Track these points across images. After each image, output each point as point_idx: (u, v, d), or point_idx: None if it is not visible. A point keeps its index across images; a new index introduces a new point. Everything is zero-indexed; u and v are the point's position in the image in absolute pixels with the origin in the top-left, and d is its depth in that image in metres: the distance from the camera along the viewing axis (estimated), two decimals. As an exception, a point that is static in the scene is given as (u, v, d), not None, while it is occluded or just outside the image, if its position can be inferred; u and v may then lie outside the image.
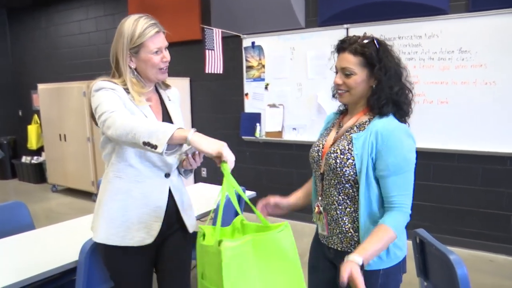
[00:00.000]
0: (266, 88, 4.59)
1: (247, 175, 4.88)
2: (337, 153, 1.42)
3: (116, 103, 1.41)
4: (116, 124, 1.31)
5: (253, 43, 4.61)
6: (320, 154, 1.51)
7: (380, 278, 1.41)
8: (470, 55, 3.44)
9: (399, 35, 3.72)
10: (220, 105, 5.11)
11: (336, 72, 1.45)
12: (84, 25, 6.46)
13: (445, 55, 3.54)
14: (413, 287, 2.99)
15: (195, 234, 1.80)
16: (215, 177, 5.14)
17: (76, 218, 2.60)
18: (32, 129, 7.12)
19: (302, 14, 4.27)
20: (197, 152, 1.55)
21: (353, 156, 1.38)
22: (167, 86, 1.75)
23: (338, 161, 1.40)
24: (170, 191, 1.65)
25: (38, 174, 6.84)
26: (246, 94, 4.77)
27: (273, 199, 1.63)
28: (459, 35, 3.46)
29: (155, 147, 1.24)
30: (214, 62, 4.24)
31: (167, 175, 1.63)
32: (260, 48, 4.57)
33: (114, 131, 1.30)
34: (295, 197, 1.69)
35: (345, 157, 1.40)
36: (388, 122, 1.38)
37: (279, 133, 4.51)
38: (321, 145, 1.53)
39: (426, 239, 1.78)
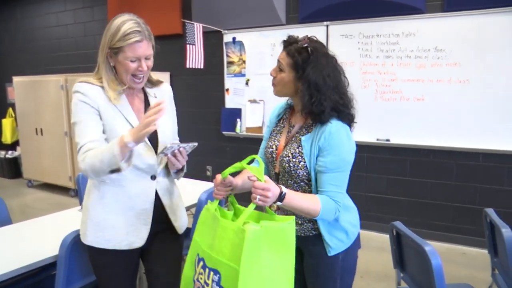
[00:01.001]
0: (246, 83, 4.61)
1: (228, 170, 4.87)
2: (289, 157, 1.49)
3: (86, 129, 1.47)
4: (82, 165, 1.45)
5: (234, 38, 4.61)
6: (274, 156, 1.56)
7: (340, 260, 1.52)
8: (445, 54, 3.54)
9: (377, 33, 3.79)
10: (201, 100, 5.10)
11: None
12: (62, 17, 6.32)
13: (421, 53, 3.63)
14: (390, 278, 3.09)
15: (186, 233, 1.81)
16: (195, 172, 5.12)
17: (54, 213, 2.57)
18: (6, 123, 6.92)
19: (283, 11, 4.30)
20: (176, 151, 1.48)
21: (304, 158, 1.46)
22: (155, 84, 1.69)
23: (291, 164, 1.48)
24: (157, 193, 1.62)
25: (13, 168, 6.67)
26: (227, 90, 4.78)
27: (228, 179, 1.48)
28: (435, 34, 3.56)
29: (118, 170, 1.41)
30: (195, 57, 4.23)
31: (153, 177, 1.61)
32: (241, 44, 4.57)
33: (84, 169, 1.45)
34: (243, 181, 1.54)
35: (297, 160, 1.47)
36: (331, 124, 1.42)
37: (260, 129, 4.54)
38: (274, 147, 1.58)
39: (403, 232, 1.83)
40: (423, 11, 3.59)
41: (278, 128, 1.63)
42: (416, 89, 3.70)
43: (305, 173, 1.47)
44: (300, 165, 1.46)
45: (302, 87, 1.43)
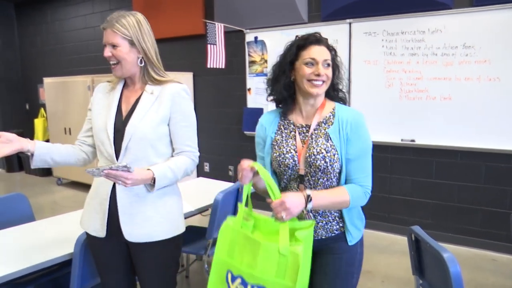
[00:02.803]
0: (269, 83, 4.57)
1: (250, 170, 4.86)
2: (322, 153, 1.46)
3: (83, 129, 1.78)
4: None
5: (255, 38, 4.59)
6: (296, 159, 1.51)
7: (358, 254, 1.57)
8: (474, 51, 3.39)
9: (402, 30, 3.67)
10: (223, 100, 5.11)
11: (312, 64, 1.48)
12: (90, 20, 6.48)
13: (448, 50, 3.50)
14: (413, 285, 2.98)
15: (162, 245, 1.67)
16: (217, 172, 5.15)
17: (77, 211, 2.61)
18: (38, 123, 7.17)
19: (305, 9, 4.24)
20: (101, 173, 1.40)
21: (337, 151, 1.47)
22: (159, 82, 1.66)
23: (328, 160, 1.46)
24: (115, 187, 1.61)
25: (44, 167, 6.88)
26: (249, 89, 4.76)
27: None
28: (463, 30, 3.42)
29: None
30: (216, 57, 4.23)
31: None
32: (262, 43, 4.55)
33: None
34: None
35: (331, 154, 1.46)
36: (352, 111, 1.52)
37: (282, 129, 4.49)
38: (293, 151, 1.52)
39: (421, 237, 1.76)
40: (451, 6, 3.45)
41: (283, 136, 1.57)
42: (443, 88, 3.56)
43: (339, 166, 1.47)
44: (335, 158, 1.46)
45: (333, 76, 1.53)
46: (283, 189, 1.57)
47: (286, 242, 1.33)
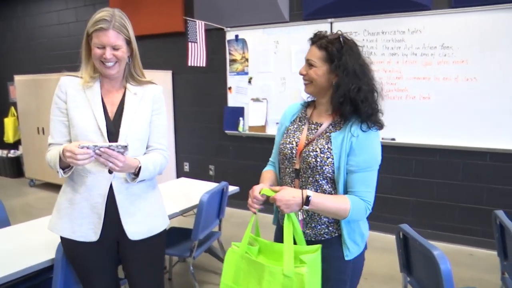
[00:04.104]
0: (249, 82, 4.55)
1: (230, 170, 4.85)
2: (316, 151, 1.46)
3: (53, 130, 1.61)
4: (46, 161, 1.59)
5: (236, 36, 4.55)
6: (294, 152, 1.53)
7: (352, 263, 1.52)
8: (452, 51, 3.47)
9: (383, 30, 3.72)
10: (203, 99, 5.04)
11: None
12: (63, 15, 6.29)
13: (427, 50, 3.56)
14: (395, 281, 3.03)
15: (156, 239, 1.73)
16: (197, 172, 5.09)
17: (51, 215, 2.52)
18: (8, 122, 6.90)
19: (287, 8, 4.24)
20: (98, 150, 1.39)
21: (333, 155, 1.44)
22: (141, 83, 1.68)
23: (318, 159, 1.45)
24: (113, 189, 1.58)
25: (15, 168, 6.65)
26: (229, 88, 4.72)
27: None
28: (442, 31, 3.49)
29: (59, 173, 1.52)
30: (197, 55, 4.18)
31: (110, 171, 1.57)
32: (243, 42, 4.51)
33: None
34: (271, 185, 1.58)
35: (325, 156, 1.45)
36: (364, 124, 1.43)
37: (263, 128, 4.48)
38: (294, 143, 1.54)
39: (410, 235, 1.78)
40: (430, 7, 3.52)
41: (295, 126, 1.59)
42: (422, 87, 3.63)
43: (330, 170, 1.44)
44: (327, 161, 1.43)
45: (338, 77, 1.42)
46: (281, 180, 1.62)
47: (290, 263, 1.32)
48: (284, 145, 1.56)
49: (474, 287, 2.11)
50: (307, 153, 1.47)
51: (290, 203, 1.35)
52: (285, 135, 1.60)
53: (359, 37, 3.83)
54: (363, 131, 1.41)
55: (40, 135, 5.66)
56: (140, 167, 1.54)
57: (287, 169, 1.56)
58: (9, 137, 6.88)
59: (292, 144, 1.54)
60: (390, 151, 3.89)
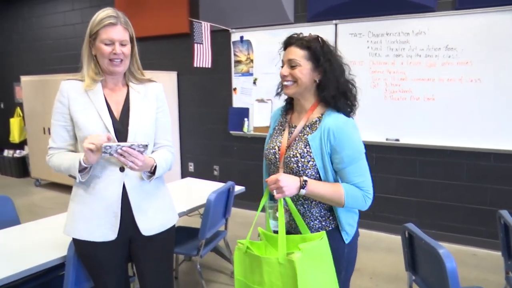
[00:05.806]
0: (254, 83, 4.58)
1: (235, 170, 4.88)
2: (297, 157, 1.48)
3: (54, 135, 1.66)
4: (49, 164, 1.68)
5: (241, 37, 4.58)
6: (277, 156, 1.56)
7: (346, 253, 1.56)
8: (456, 53, 3.49)
9: (387, 31, 3.74)
10: (208, 100, 5.08)
11: (282, 66, 1.54)
12: (69, 17, 6.33)
13: (432, 52, 3.58)
14: (400, 280, 3.05)
15: (167, 233, 1.76)
16: (202, 172, 5.12)
17: (62, 213, 2.55)
18: (14, 122, 6.95)
19: (291, 9, 4.27)
20: (120, 150, 1.43)
21: (313, 158, 1.47)
22: (142, 81, 1.71)
23: (300, 165, 1.48)
24: (125, 187, 1.61)
25: (21, 168, 6.70)
26: (234, 89, 4.75)
27: None
28: (446, 33, 3.51)
29: (75, 177, 1.54)
30: (202, 56, 4.21)
31: (121, 169, 1.60)
32: (248, 43, 4.54)
33: (51, 167, 1.67)
34: None
35: (305, 160, 1.47)
36: (337, 119, 1.46)
37: (267, 128, 4.49)
38: (276, 148, 1.57)
39: (415, 233, 1.80)
40: (434, 9, 3.54)
41: (277, 131, 1.65)
42: (427, 89, 3.65)
43: (313, 173, 1.47)
44: (309, 165, 1.46)
45: (323, 74, 1.47)
46: None
47: (283, 250, 1.36)
48: (268, 150, 1.61)
49: (480, 287, 2.12)
50: (288, 158, 1.50)
51: (291, 186, 1.39)
52: (269, 140, 1.65)
53: (363, 38, 3.85)
54: (338, 127, 1.43)
55: (46, 135, 5.70)
56: (155, 166, 1.59)
57: (274, 172, 1.58)
58: (15, 137, 6.93)
59: (275, 149, 1.58)
60: (394, 152, 3.91)
